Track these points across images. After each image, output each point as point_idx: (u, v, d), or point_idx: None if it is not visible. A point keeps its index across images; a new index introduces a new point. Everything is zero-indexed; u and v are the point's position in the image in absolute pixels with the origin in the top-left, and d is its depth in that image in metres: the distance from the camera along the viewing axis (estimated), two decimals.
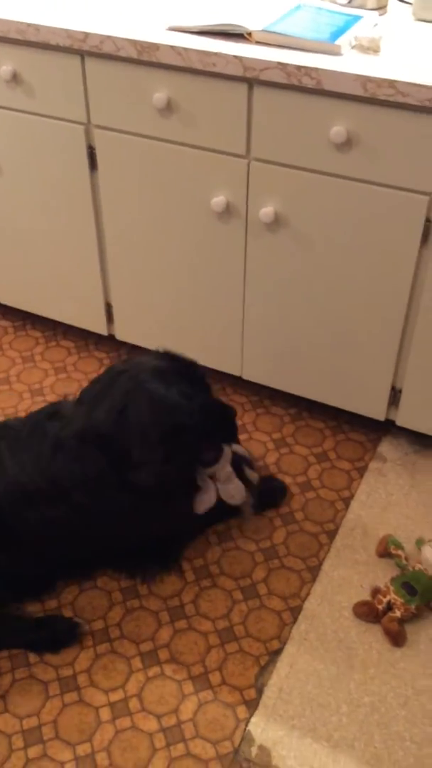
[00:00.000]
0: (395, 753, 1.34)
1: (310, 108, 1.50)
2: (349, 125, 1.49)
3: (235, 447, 1.68)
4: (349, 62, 1.46)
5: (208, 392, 1.55)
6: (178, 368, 1.51)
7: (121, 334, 2.12)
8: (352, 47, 1.53)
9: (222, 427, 1.58)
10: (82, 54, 1.65)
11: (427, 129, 1.43)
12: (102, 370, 2.16)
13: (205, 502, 1.57)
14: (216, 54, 1.50)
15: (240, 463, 1.68)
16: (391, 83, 1.40)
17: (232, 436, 1.65)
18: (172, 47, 1.53)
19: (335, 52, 1.49)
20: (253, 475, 1.72)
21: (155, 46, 1.55)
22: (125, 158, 1.76)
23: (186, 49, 1.52)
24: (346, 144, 1.51)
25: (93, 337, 2.28)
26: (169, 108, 1.64)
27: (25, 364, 2.19)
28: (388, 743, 1.35)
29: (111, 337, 2.19)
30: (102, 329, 2.14)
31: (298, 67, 1.46)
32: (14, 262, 2.13)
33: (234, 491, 1.62)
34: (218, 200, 1.69)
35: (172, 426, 1.41)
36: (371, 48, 1.52)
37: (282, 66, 1.47)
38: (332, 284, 1.71)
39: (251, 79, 1.53)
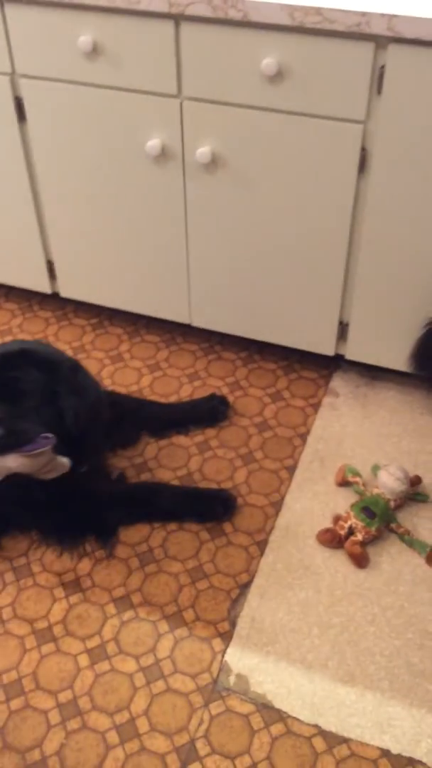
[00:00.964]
0: (367, 668, 1.40)
1: (239, 41, 1.49)
2: (279, 57, 1.47)
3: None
4: None
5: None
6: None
7: (65, 291, 2.09)
8: None
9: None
10: (2, 1, 1.59)
11: (356, 55, 1.43)
12: (48, 330, 2.15)
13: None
14: None
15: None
16: (318, 10, 1.39)
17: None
18: None
19: None
20: None
21: None
22: (54, 107, 1.72)
23: None
24: (278, 76, 1.50)
25: (37, 297, 2.24)
26: (95, 51, 1.60)
27: None
28: (359, 659, 1.41)
29: (55, 296, 2.16)
30: (45, 288, 2.11)
31: (224, 0, 1.43)
32: None
33: None
34: (153, 143, 1.66)
35: None
36: None
37: None
38: (274, 221, 1.71)
39: (177, 15, 1.50)
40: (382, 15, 1.36)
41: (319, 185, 1.62)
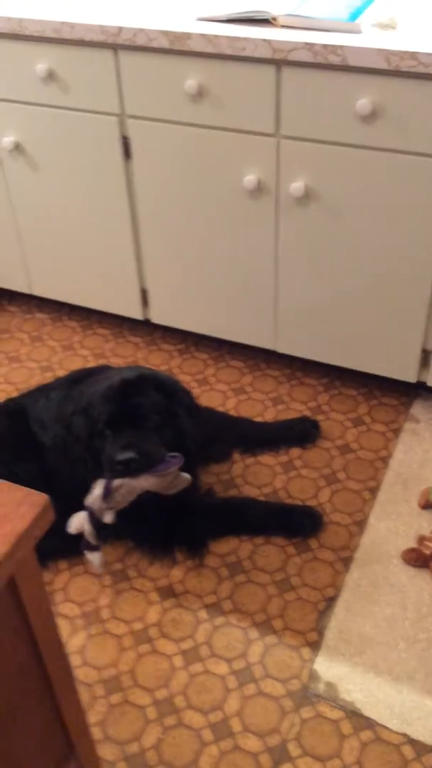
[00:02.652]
0: None
1: (336, 84, 1.60)
2: (374, 98, 1.58)
3: (97, 486, 1.49)
4: (371, 39, 1.55)
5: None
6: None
7: (156, 318, 2.21)
8: (372, 25, 1.62)
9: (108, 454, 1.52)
10: (116, 48, 1.75)
11: None
12: (138, 354, 2.26)
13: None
14: (245, 39, 1.60)
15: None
16: (413, 55, 1.49)
17: (109, 471, 1.52)
18: (203, 35, 1.63)
19: (356, 31, 1.59)
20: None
21: (187, 35, 1.64)
22: (158, 146, 1.86)
23: (216, 36, 1.62)
24: (372, 116, 1.60)
25: (128, 323, 2.37)
26: (200, 94, 1.73)
27: (65, 353, 2.28)
28: None
29: (146, 322, 2.28)
30: (138, 314, 2.23)
31: (324, 46, 1.55)
32: (50, 255, 2.22)
33: (73, 519, 1.50)
34: (250, 179, 1.78)
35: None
36: (389, 25, 1.61)
37: (309, 46, 1.56)
38: (362, 252, 1.80)
39: (279, 61, 1.62)
40: None
41: (406, 218, 1.70)
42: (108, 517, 1.48)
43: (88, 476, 1.54)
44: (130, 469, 1.47)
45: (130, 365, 1.67)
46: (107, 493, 1.46)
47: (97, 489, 1.48)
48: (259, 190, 1.81)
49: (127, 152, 1.91)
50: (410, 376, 1.97)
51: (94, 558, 1.53)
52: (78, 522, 1.49)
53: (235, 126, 1.75)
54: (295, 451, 1.92)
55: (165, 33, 1.66)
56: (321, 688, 1.43)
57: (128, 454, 1.46)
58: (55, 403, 1.70)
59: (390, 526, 1.72)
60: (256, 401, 2.08)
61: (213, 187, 1.86)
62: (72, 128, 1.92)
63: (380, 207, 1.71)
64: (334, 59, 1.56)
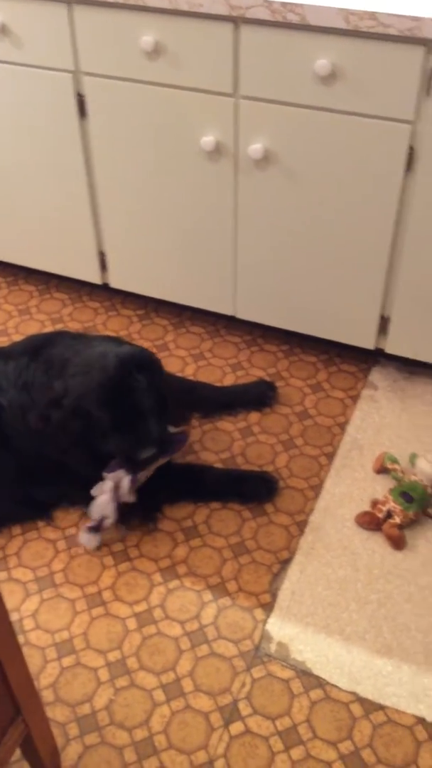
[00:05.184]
0: (403, 642, 1.45)
1: (295, 43, 1.57)
2: (333, 58, 1.55)
3: (125, 482, 1.56)
4: None
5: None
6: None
7: (115, 282, 2.18)
8: None
9: (126, 450, 1.55)
10: (70, 2, 1.70)
11: (408, 58, 1.50)
12: (97, 320, 2.24)
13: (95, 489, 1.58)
14: None
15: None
16: (372, 15, 1.47)
17: (132, 468, 1.58)
18: None
19: None
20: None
21: None
22: (114, 104, 1.81)
23: None
24: (331, 77, 1.58)
25: (86, 288, 2.34)
26: (156, 51, 1.69)
27: (21, 317, 2.25)
28: (396, 633, 1.46)
29: (104, 286, 2.25)
30: (96, 278, 2.20)
31: (283, 4, 1.52)
32: (5, 217, 2.17)
33: (93, 506, 1.57)
34: (208, 140, 1.75)
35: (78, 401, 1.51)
36: None
37: (267, 3, 1.53)
38: (321, 217, 1.79)
39: (237, 18, 1.58)
40: None
41: (366, 182, 1.69)
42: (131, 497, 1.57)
43: (81, 467, 1.58)
44: (151, 461, 1.56)
45: (101, 336, 1.65)
46: (134, 485, 1.56)
47: (125, 483, 1.55)
48: (217, 151, 1.78)
49: (82, 111, 1.86)
50: (369, 342, 1.98)
51: (94, 539, 1.59)
52: (101, 510, 1.56)
53: (192, 85, 1.71)
54: (254, 417, 1.92)
55: None
56: (273, 648, 1.45)
57: (151, 450, 1.53)
58: (14, 369, 1.66)
59: (345, 491, 1.74)
60: (216, 367, 2.07)
61: (171, 147, 1.82)
62: (25, 85, 1.87)
63: (339, 170, 1.70)
64: (292, 18, 1.53)
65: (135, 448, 1.53)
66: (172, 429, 1.66)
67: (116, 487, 1.55)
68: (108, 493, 1.55)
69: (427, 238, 1.71)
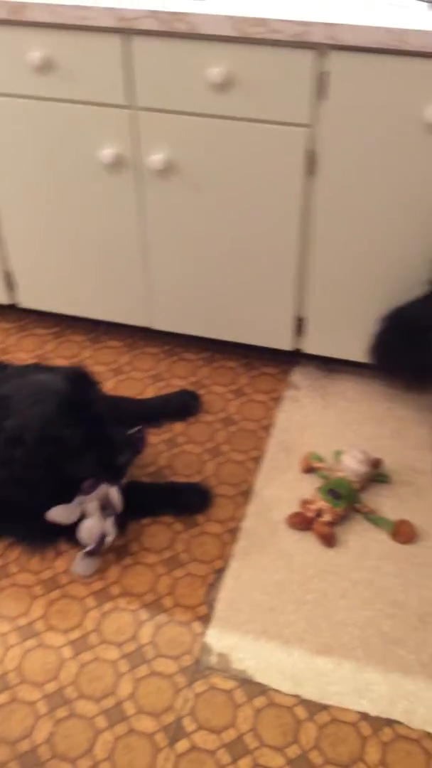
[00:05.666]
0: (342, 639, 1.46)
1: (187, 52, 1.56)
2: (226, 66, 1.56)
3: (113, 493, 1.58)
4: (220, 4, 1.52)
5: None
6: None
7: (26, 302, 2.13)
8: None
9: (104, 461, 1.54)
10: None
11: (299, 63, 1.52)
12: (9, 341, 2.18)
13: (58, 514, 1.53)
14: (88, 8, 1.54)
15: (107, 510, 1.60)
16: (262, 21, 1.48)
17: (114, 477, 1.59)
18: (44, 5, 1.55)
19: None
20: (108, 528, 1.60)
21: (23, 5, 1.56)
22: (8, 121, 1.77)
23: (58, 6, 1.55)
24: (226, 84, 1.58)
25: None
26: (46, 66, 1.66)
27: None
28: (334, 631, 1.47)
29: (13, 307, 2.19)
30: (3, 299, 2.14)
31: (171, 14, 1.51)
32: None
33: (85, 531, 1.55)
34: (106, 152, 1.73)
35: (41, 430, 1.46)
36: None
37: (154, 14, 1.52)
38: (229, 224, 1.79)
39: (126, 30, 1.57)
40: (323, 24, 1.46)
41: (269, 188, 1.70)
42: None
43: (46, 492, 1.52)
44: (128, 464, 1.58)
45: (20, 366, 1.65)
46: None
47: (114, 494, 1.56)
48: (118, 164, 1.76)
49: None
50: (287, 344, 2.00)
51: (93, 564, 1.57)
52: (94, 532, 1.54)
53: (86, 98, 1.69)
54: (179, 428, 1.91)
55: (2, 3, 1.57)
56: (213, 660, 1.43)
57: (127, 452, 1.56)
58: None
59: (274, 493, 1.74)
60: (136, 380, 2.05)
61: (70, 162, 1.79)
62: None
63: (242, 177, 1.70)
64: (181, 27, 1.52)
65: (112, 456, 1.53)
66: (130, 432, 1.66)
67: (104, 503, 1.55)
68: (96, 513, 1.54)
69: (333, 239, 1.74)
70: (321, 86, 1.54)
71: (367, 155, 1.59)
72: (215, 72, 1.56)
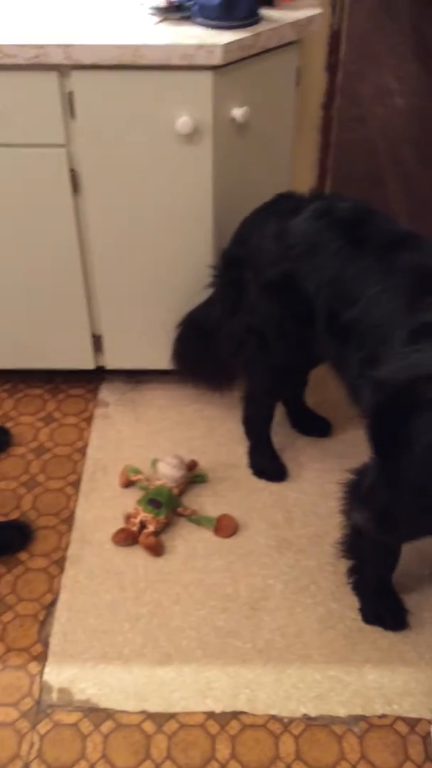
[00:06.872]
0: (180, 644, 1.48)
1: None
2: None
3: None
4: None
5: None
6: None
7: None
8: None
9: None
10: None
11: (43, 84, 1.52)
12: None
13: None
14: None
15: None
16: None
17: None
18: None
19: None
20: None
21: None
22: None
23: None
24: None
25: None
26: None
27: None
28: (172, 638, 1.49)
29: None
30: None
31: None
32: None
33: None
34: None
35: None
36: None
37: None
38: (11, 250, 1.75)
39: None
40: (59, 46, 1.46)
41: (42, 210, 1.68)
42: None
43: None
44: None
45: None
46: None
47: None
48: None
49: None
50: (89, 363, 1.99)
51: None
52: None
53: None
54: None
55: None
56: (54, 697, 1.40)
57: None
58: None
59: (97, 514, 1.73)
60: None
61: None
62: None
63: (11, 203, 1.67)
64: None
65: None
66: None
67: None
68: None
69: (111, 254, 1.75)
70: (70, 106, 1.55)
71: (126, 169, 1.62)
72: None
